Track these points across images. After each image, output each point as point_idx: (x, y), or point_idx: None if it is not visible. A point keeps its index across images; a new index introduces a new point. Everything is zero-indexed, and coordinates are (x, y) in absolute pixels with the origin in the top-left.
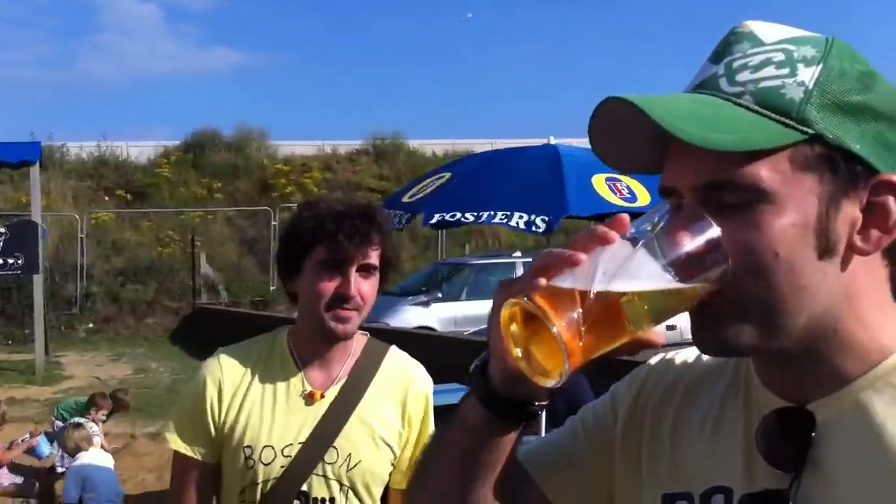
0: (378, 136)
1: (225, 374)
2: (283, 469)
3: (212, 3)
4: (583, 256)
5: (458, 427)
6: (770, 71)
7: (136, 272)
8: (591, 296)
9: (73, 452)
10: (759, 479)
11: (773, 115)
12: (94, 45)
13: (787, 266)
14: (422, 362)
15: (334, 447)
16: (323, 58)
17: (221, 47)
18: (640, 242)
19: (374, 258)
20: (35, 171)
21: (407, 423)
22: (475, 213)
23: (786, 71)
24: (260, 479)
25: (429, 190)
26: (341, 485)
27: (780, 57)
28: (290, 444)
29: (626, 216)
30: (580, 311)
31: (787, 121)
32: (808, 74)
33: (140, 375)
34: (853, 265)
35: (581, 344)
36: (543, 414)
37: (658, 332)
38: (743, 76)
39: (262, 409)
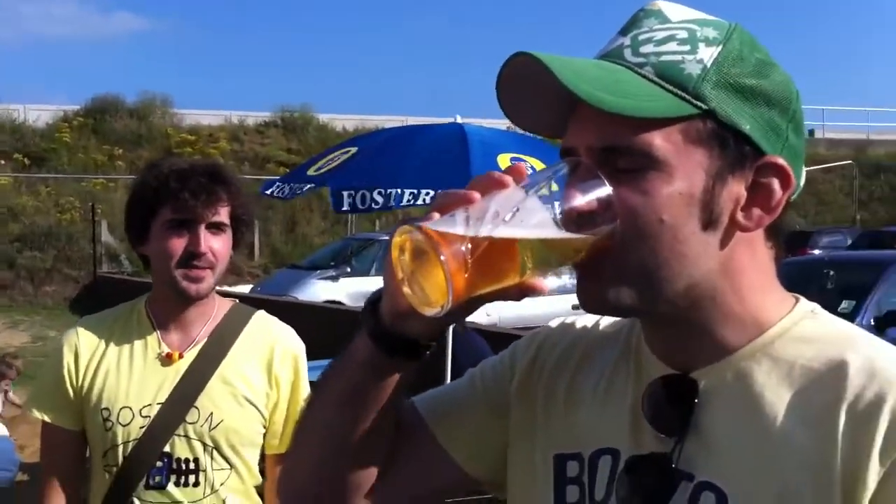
0: (287, 108)
1: (81, 341)
2: (143, 430)
3: None
4: (477, 196)
5: (346, 361)
6: (672, 46)
7: (33, 239)
8: (480, 233)
9: None
10: (644, 442)
11: (671, 88)
12: None
13: (670, 232)
14: (328, 336)
15: (195, 407)
16: (230, 26)
17: (124, 11)
18: (534, 191)
19: (223, 215)
20: None
21: (274, 384)
22: (382, 192)
23: (687, 48)
24: (119, 440)
25: (334, 164)
26: (204, 445)
27: (684, 35)
28: (149, 405)
29: (523, 165)
30: (469, 246)
31: (684, 94)
32: (707, 53)
33: (38, 344)
34: (735, 241)
35: (466, 277)
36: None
37: (543, 281)
38: (646, 48)
39: (118, 371)
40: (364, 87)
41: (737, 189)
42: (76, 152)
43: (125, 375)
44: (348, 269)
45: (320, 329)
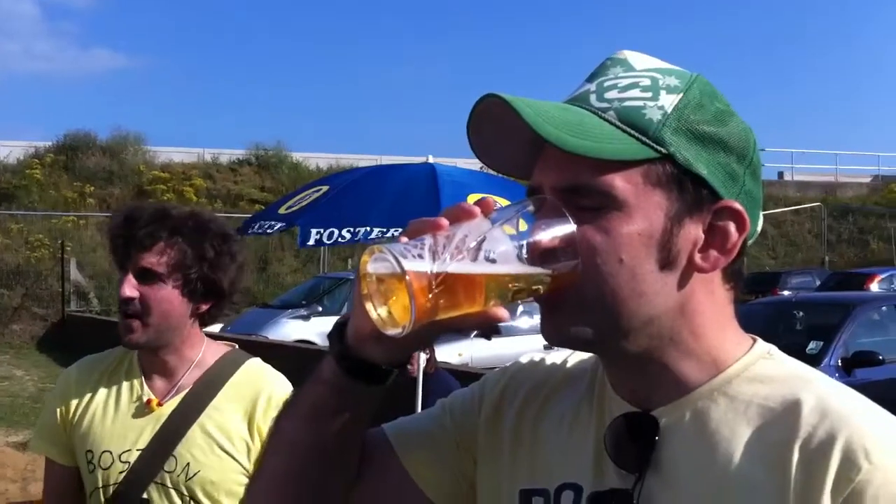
0: (261, 146)
1: (76, 380)
2: (123, 475)
3: (94, 0)
4: (446, 223)
5: (312, 382)
6: (635, 93)
7: (1, 276)
8: (446, 259)
9: None
10: (606, 478)
11: (632, 132)
12: None
13: (629, 272)
14: (299, 376)
15: (174, 456)
16: (205, 65)
17: (101, 49)
18: (500, 223)
19: (153, 263)
20: None
21: (256, 434)
22: (351, 230)
23: (649, 94)
24: (100, 483)
25: (305, 202)
26: (181, 494)
27: (647, 82)
28: (129, 451)
29: (492, 199)
30: (434, 270)
31: (644, 138)
32: (668, 101)
33: (4, 383)
34: (693, 282)
35: (429, 298)
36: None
37: (504, 311)
38: (611, 94)
39: (104, 414)
40: (338, 127)
41: (694, 231)
42: (47, 189)
43: (109, 419)
44: (319, 309)
45: (290, 368)
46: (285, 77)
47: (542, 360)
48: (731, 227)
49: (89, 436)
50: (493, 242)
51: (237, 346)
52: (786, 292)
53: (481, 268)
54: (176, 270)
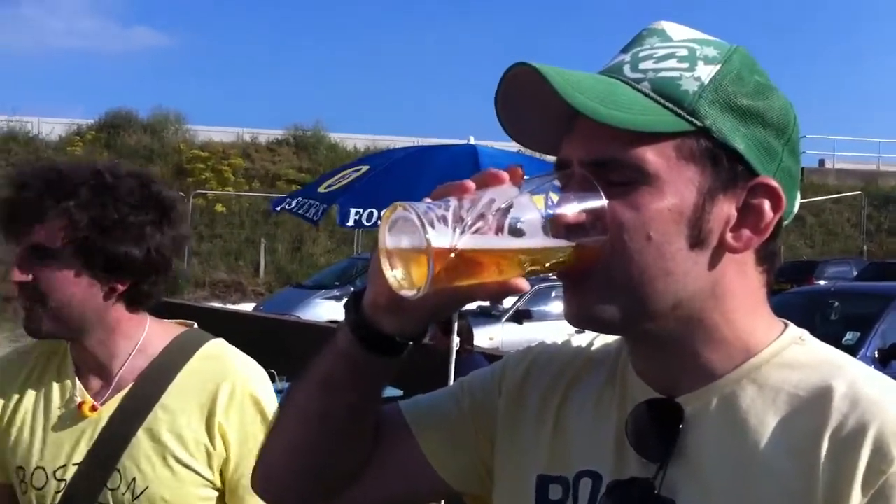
0: (299, 126)
1: (2, 386)
2: (60, 495)
3: None
4: (473, 186)
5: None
6: (671, 63)
7: None
8: (468, 222)
9: None
10: (627, 466)
11: (667, 104)
12: (13, 17)
13: (657, 250)
14: None
15: (117, 470)
16: (246, 44)
17: (143, 27)
18: (529, 192)
19: (43, 237)
20: None
21: (219, 437)
22: None
23: (686, 65)
24: None
25: (345, 182)
26: None
27: (684, 53)
28: (64, 466)
29: (521, 168)
30: (457, 231)
31: (679, 110)
32: (706, 72)
33: None
34: (724, 262)
35: (449, 261)
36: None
37: (525, 282)
38: (646, 65)
39: (33, 423)
40: (376, 108)
41: (727, 209)
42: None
43: (40, 428)
44: (352, 290)
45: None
46: (325, 57)
47: (566, 342)
48: (766, 205)
49: (17, 449)
50: (520, 209)
51: (195, 325)
52: (822, 282)
53: (504, 240)
54: (69, 244)
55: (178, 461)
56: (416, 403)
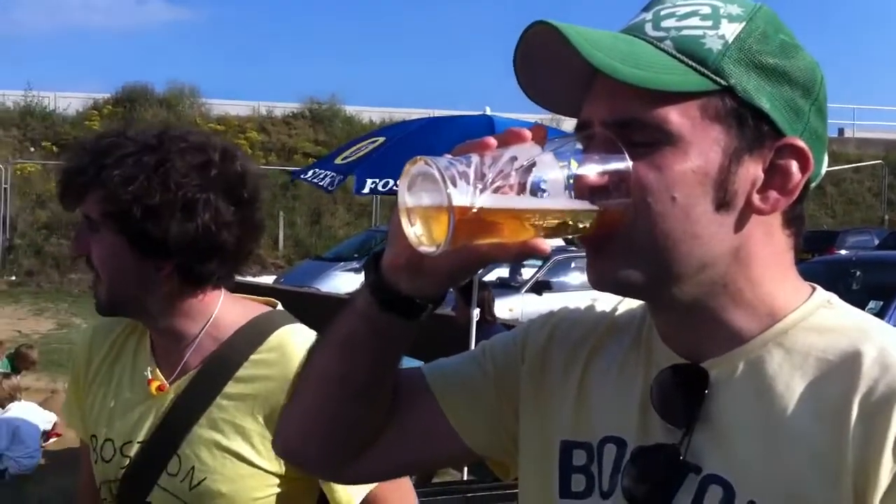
0: (315, 100)
1: (90, 344)
2: (123, 471)
3: None
4: (495, 143)
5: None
6: (694, 21)
7: (61, 226)
8: (490, 179)
9: (3, 403)
10: (652, 432)
11: (690, 62)
12: None
13: (682, 212)
14: None
15: (178, 456)
16: (260, 16)
17: (158, 1)
18: (551, 150)
19: (89, 208)
20: None
21: None
22: None
23: (709, 23)
24: (102, 477)
25: (361, 153)
26: None
27: (707, 10)
28: (130, 442)
29: (544, 127)
30: (478, 187)
31: (703, 69)
32: (730, 30)
33: (63, 330)
34: (750, 225)
35: (469, 217)
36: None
37: (546, 243)
38: (668, 23)
39: (108, 395)
40: (392, 80)
41: (753, 170)
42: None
43: (113, 401)
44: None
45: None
46: (340, 29)
47: (590, 308)
48: (794, 166)
49: (91, 416)
50: (542, 168)
51: (279, 306)
52: (843, 251)
53: (526, 200)
54: (109, 216)
55: (239, 455)
56: (439, 367)
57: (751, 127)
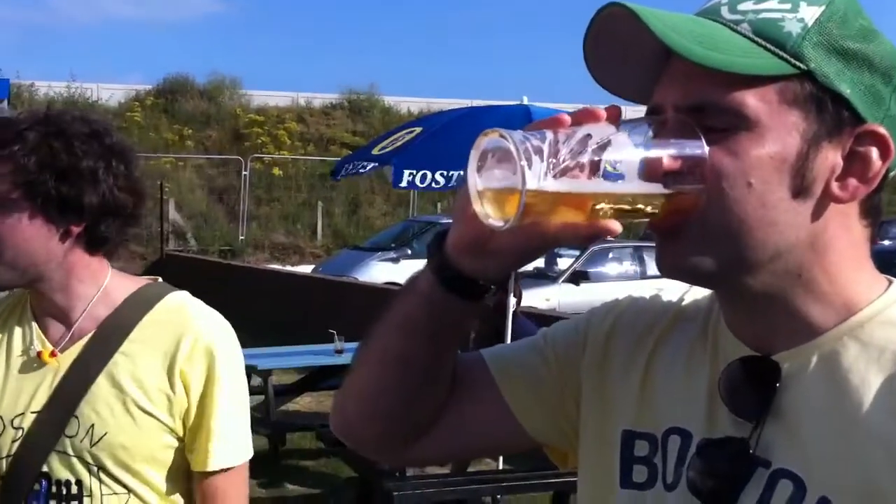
0: (353, 90)
1: None
2: (17, 444)
3: None
4: (568, 120)
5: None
6: (772, 4)
7: None
8: (564, 155)
9: None
10: (720, 425)
11: (768, 46)
12: None
13: (758, 198)
14: None
15: (76, 416)
16: (300, 7)
17: None
18: (626, 131)
19: None
20: (3, 108)
21: (180, 386)
22: (444, 174)
23: (788, 6)
24: None
25: (399, 143)
26: (88, 464)
27: None
28: (22, 414)
29: (619, 108)
30: (552, 168)
31: (782, 52)
32: (809, 13)
33: None
34: (828, 214)
35: (540, 191)
36: None
37: (617, 224)
38: (745, 6)
39: None
40: (431, 70)
41: (832, 157)
42: (147, 131)
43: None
44: (409, 252)
45: (378, 311)
46: (379, 19)
47: (655, 297)
48: (874, 153)
49: None
50: (617, 148)
51: (160, 280)
52: (887, 242)
53: (599, 183)
54: (18, 188)
55: (139, 407)
56: (499, 352)
57: (830, 112)
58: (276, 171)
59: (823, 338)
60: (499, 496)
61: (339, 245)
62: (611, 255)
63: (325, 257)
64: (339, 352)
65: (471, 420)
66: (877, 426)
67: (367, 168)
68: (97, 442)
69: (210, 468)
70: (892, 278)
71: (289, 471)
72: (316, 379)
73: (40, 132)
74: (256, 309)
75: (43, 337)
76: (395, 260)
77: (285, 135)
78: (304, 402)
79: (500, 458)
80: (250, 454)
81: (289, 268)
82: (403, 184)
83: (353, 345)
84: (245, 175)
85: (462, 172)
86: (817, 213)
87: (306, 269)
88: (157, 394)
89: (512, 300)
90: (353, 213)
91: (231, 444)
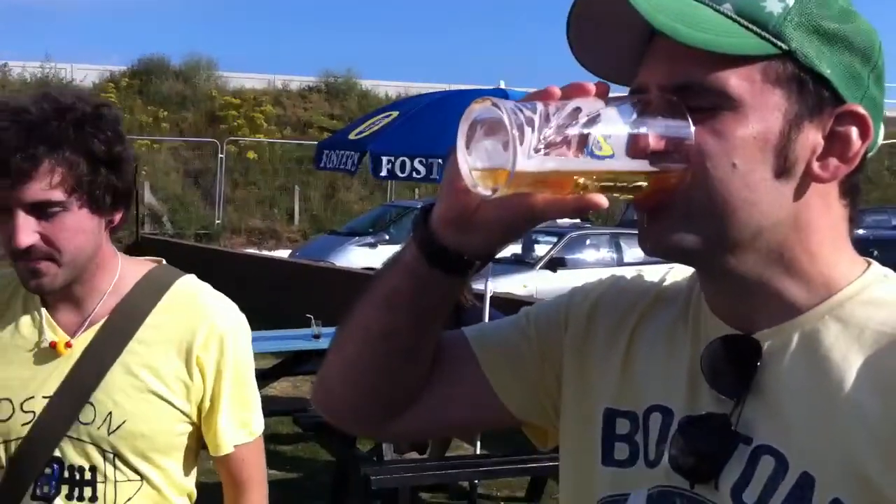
0: (331, 73)
1: None
2: (28, 428)
3: None
4: (558, 93)
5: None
6: None
7: None
8: (552, 124)
9: None
10: (701, 402)
11: (750, 25)
12: None
13: (741, 178)
14: None
15: (91, 404)
16: None
17: None
18: (615, 107)
19: (47, 193)
20: None
21: (197, 372)
22: (423, 161)
23: None
24: (1, 439)
25: (375, 128)
26: (104, 451)
27: None
28: (31, 398)
29: (607, 85)
30: (541, 135)
31: (764, 33)
32: None
33: None
34: (809, 193)
35: (529, 161)
36: None
37: (604, 198)
38: None
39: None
40: (408, 54)
41: (813, 136)
42: (122, 113)
43: (6, 362)
44: (386, 237)
45: (356, 295)
46: (356, 2)
47: (637, 277)
48: (854, 133)
49: None
50: (607, 122)
51: (164, 262)
52: (861, 230)
53: (587, 160)
54: (76, 189)
55: (156, 394)
56: (481, 330)
57: (811, 92)
58: (252, 154)
59: (804, 317)
60: (476, 481)
61: (317, 230)
62: (588, 242)
63: (303, 242)
64: (317, 336)
65: (452, 396)
66: (857, 402)
67: (355, 164)
68: (116, 429)
69: (229, 451)
70: (871, 260)
71: (266, 455)
72: (293, 363)
73: (74, 125)
74: (233, 294)
75: (54, 324)
76: (373, 245)
77: (262, 118)
78: (282, 387)
79: (478, 443)
80: (262, 427)
81: (265, 252)
82: (383, 173)
83: (331, 329)
84: (221, 158)
85: (441, 161)
86: (799, 193)
87: (283, 253)
88: (174, 381)
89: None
90: (331, 198)
91: (246, 424)
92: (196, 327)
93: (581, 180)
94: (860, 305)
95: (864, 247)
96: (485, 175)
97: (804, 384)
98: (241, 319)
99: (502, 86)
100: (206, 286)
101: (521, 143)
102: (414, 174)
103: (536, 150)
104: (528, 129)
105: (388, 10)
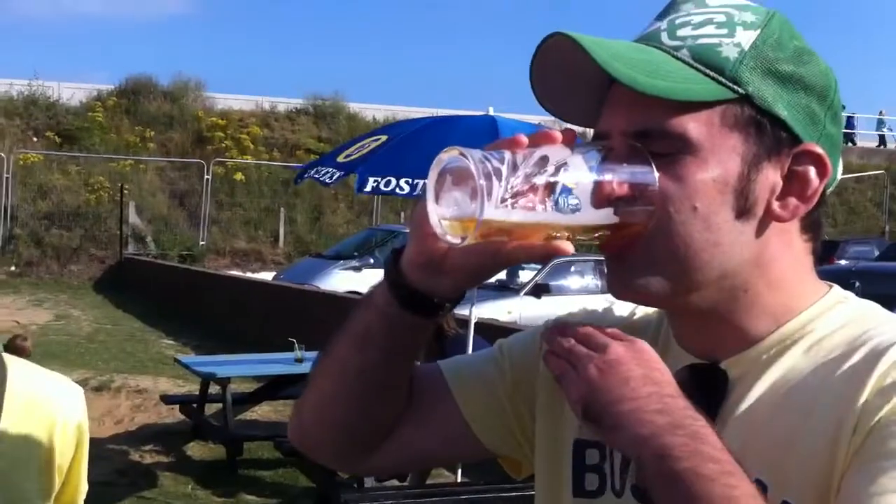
0: (318, 96)
1: None
2: None
3: None
4: (526, 141)
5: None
6: (710, 30)
7: (62, 217)
8: (519, 173)
9: None
10: None
11: (708, 71)
12: None
13: (703, 221)
14: None
15: None
16: (264, 11)
17: None
18: (581, 154)
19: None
20: None
21: (58, 472)
22: (409, 181)
23: (724, 31)
24: None
25: (364, 151)
26: None
27: (722, 18)
28: None
29: (574, 132)
30: (508, 184)
31: (720, 78)
32: (745, 37)
33: (61, 322)
34: (769, 231)
35: (496, 211)
36: None
37: (570, 245)
38: (683, 32)
39: None
40: (396, 78)
41: (772, 177)
42: (108, 132)
43: None
44: (371, 261)
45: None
46: (345, 25)
47: (608, 310)
48: (812, 172)
49: None
50: (573, 171)
51: None
52: (843, 261)
53: (551, 214)
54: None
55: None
56: (455, 364)
57: (769, 134)
58: (239, 175)
59: (766, 343)
60: None
61: (301, 252)
62: (572, 269)
63: (287, 264)
64: (300, 361)
65: (428, 430)
66: (822, 423)
67: (334, 178)
68: None
69: None
70: (833, 284)
71: (245, 481)
72: (275, 388)
73: None
74: (216, 316)
75: None
76: (357, 269)
77: (248, 139)
78: (263, 411)
79: (459, 471)
80: None
81: (249, 274)
82: (368, 189)
83: (314, 354)
84: (207, 179)
85: (426, 182)
86: (760, 232)
87: (267, 276)
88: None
89: (475, 309)
90: (316, 221)
91: None
92: (53, 427)
93: (548, 231)
94: (821, 326)
95: (846, 278)
96: (453, 224)
97: (768, 409)
98: (80, 404)
99: (491, 112)
100: (41, 370)
101: (489, 193)
102: (398, 190)
103: (503, 200)
104: (495, 179)
105: (375, 35)
